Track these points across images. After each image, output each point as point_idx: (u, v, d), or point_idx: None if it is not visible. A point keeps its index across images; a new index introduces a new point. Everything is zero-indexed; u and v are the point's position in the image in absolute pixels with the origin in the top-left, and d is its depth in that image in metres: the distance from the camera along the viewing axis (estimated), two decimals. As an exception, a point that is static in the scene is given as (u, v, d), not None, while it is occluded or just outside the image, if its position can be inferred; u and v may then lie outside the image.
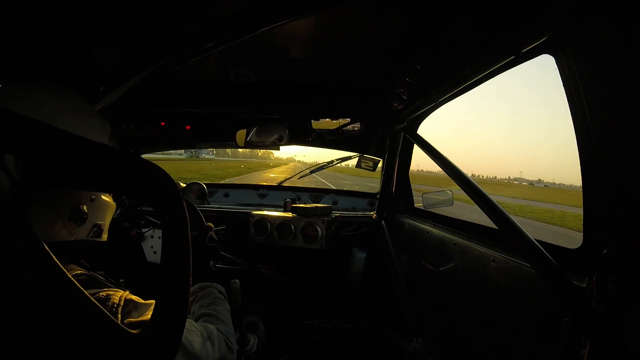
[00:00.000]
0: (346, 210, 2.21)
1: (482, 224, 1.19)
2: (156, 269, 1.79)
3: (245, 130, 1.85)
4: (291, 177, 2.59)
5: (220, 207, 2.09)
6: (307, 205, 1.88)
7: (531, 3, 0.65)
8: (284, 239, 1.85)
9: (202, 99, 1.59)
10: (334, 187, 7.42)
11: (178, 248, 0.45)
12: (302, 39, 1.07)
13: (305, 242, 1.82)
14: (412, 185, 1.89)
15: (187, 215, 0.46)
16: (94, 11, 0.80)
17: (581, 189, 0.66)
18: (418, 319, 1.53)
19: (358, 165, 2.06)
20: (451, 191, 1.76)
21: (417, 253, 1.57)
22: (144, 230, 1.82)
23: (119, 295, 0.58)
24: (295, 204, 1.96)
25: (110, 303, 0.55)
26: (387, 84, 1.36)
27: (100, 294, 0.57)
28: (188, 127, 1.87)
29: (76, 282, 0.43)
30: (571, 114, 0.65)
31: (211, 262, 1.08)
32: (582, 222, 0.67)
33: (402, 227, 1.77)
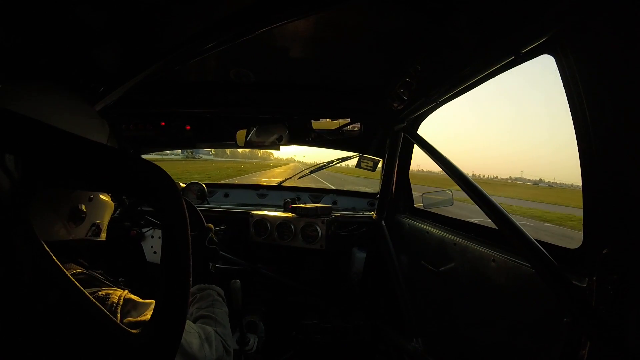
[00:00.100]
0: (346, 210, 2.21)
1: (482, 224, 1.19)
2: (156, 269, 1.79)
3: (245, 130, 1.85)
4: (291, 177, 2.59)
5: (220, 207, 2.09)
6: (307, 205, 1.88)
7: (531, 3, 0.65)
8: (284, 239, 1.85)
9: (202, 99, 1.59)
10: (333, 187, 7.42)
11: (178, 248, 0.45)
12: (302, 39, 1.07)
13: (305, 242, 1.82)
14: (415, 186, 1.90)
15: (187, 215, 0.46)
16: (94, 11, 0.80)
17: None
18: (418, 319, 1.53)
19: (358, 165, 2.06)
20: (451, 191, 1.76)
21: (417, 253, 1.57)
22: (144, 230, 1.82)
23: (118, 294, 0.58)
24: (295, 204, 1.96)
25: (109, 302, 0.55)
26: (387, 84, 1.36)
27: (100, 293, 0.57)
28: (188, 127, 1.87)
29: (76, 282, 0.43)
30: (571, 114, 0.65)
31: (210, 264, 1.08)
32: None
33: (402, 227, 1.77)
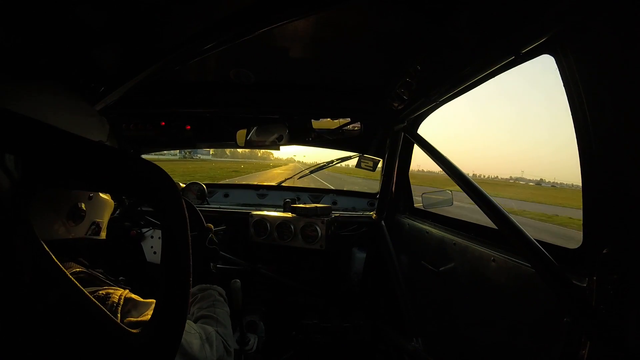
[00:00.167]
0: (346, 210, 2.21)
1: (482, 224, 1.19)
2: (156, 269, 1.79)
3: (245, 130, 1.85)
4: (291, 177, 2.59)
5: (220, 208, 2.09)
6: (307, 206, 1.88)
7: (531, 3, 0.65)
8: (283, 239, 1.85)
9: (203, 99, 1.59)
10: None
11: (178, 248, 0.45)
12: (302, 39, 1.07)
13: (305, 242, 1.82)
14: (415, 187, 1.90)
15: (187, 215, 0.46)
16: (94, 11, 0.80)
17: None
18: (418, 319, 1.53)
19: (358, 165, 2.07)
20: (451, 191, 1.76)
21: (417, 253, 1.57)
22: (144, 230, 1.82)
23: (118, 293, 0.58)
24: (295, 204, 1.96)
25: (109, 302, 0.55)
26: (387, 84, 1.36)
27: (100, 292, 0.57)
28: (188, 127, 1.87)
29: (76, 282, 0.43)
30: (571, 114, 0.65)
31: (211, 264, 1.08)
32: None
33: (402, 227, 1.77)
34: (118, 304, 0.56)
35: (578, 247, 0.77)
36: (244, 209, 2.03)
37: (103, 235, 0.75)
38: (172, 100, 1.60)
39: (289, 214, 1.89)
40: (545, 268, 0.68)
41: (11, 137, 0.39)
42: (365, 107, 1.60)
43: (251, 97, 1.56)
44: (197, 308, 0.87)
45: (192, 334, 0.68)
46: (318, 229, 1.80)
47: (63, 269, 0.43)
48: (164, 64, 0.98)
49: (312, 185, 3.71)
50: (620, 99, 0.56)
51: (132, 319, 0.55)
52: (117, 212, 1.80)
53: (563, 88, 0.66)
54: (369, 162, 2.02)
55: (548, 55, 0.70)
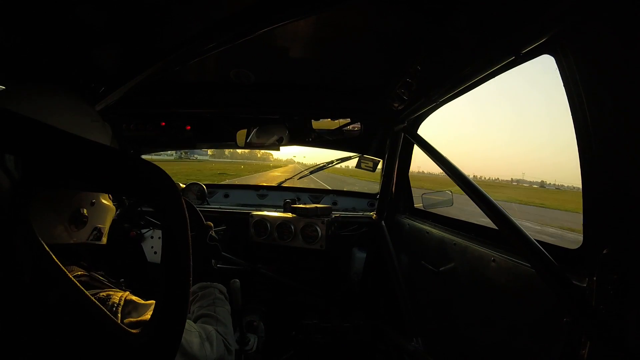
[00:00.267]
0: (346, 210, 2.21)
1: (482, 224, 1.19)
2: (156, 269, 1.79)
3: (245, 131, 1.85)
4: (291, 178, 2.59)
5: (220, 208, 2.10)
6: (307, 206, 1.88)
7: (531, 3, 0.65)
8: (284, 239, 1.85)
9: (203, 99, 1.59)
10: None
11: (178, 248, 0.45)
12: (302, 39, 1.07)
13: (305, 242, 1.82)
14: (415, 189, 1.90)
15: (187, 215, 0.46)
16: (94, 11, 0.80)
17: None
18: (418, 319, 1.53)
19: (358, 165, 2.07)
20: (451, 192, 1.76)
21: (417, 253, 1.57)
22: (144, 230, 1.82)
23: (119, 295, 0.58)
24: (295, 204, 1.96)
25: (110, 303, 0.55)
26: (387, 84, 1.36)
27: (101, 294, 0.57)
28: (188, 128, 1.87)
29: (77, 282, 0.43)
30: (571, 114, 0.65)
31: (213, 261, 1.08)
32: None
33: (402, 228, 1.77)
34: (118, 305, 0.56)
35: (578, 247, 0.77)
36: (244, 209, 2.03)
37: (104, 240, 0.75)
38: (172, 100, 1.60)
39: (289, 214, 1.89)
40: (545, 268, 0.68)
41: (11, 137, 0.39)
42: (365, 107, 1.60)
43: (251, 97, 1.56)
44: (198, 307, 0.87)
45: (192, 332, 0.68)
46: (318, 229, 1.80)
47: (63, 269, 0.43)
48: (164, 64, 0.98)
49: (312, 186, 3.71)
50: (620, 99, 0.56)
51: (132, 319, 0.55)
52: (117, 212, 1.80)
53: (563, 88, 0.66)
54: (369, 162, 2.02)
55: (548, 56, 0.70)
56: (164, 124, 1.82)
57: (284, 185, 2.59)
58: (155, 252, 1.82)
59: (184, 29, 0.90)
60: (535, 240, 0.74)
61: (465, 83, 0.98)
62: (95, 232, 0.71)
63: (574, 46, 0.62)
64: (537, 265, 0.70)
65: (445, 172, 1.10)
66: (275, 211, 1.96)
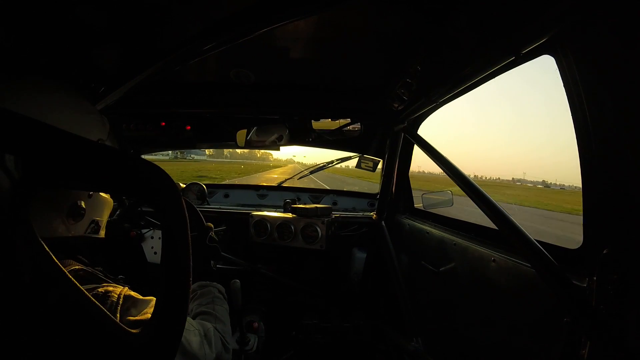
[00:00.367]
0: (346, 210, 2.21)
1: (482, 224, 1.19)
2: (156, 269, 1.79)
3: (245, 131, 1.85)
4: (291, 178, 2.59)
5: (220, 208, 2.10)
6: (307, 206, 1.88)
7: (531, 3, 0.65)
8: (284, 240, 1.85)
9: (203, 99, 1.59)
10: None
11: (178, 249, 0.45)
12: (302, 39, 1.07)
13: (305, 242, 1.82)
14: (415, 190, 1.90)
15: (187, 215, 0.46)
16: (94, 11, 0.80)
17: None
18: (418, 319, 1.53)
19: (358, 165, 2.07)
20: (451, 192, 1.76)
21: (417, 253, 1.57)
22: (144, 230, 1.82)
23: (117, 291, 0.58)
24: (295, 204, 1.96)
25: (109, 301, 0.55)
26: (387, 84, 1.36)
27: (99, 289, 0.57)
28: (188, 128, 1.87)
29: (76, 282, 0.43)
30: (571, 114, 0.65)
31: (212, 262, 1.08)
32: None
33: (402, 228, 1.77)
34: (117, 302, 0.55)
35: (578, 248, 0.77)
36: (244, 210, 2.03)
37: (102, 233, 0.75)
38: (172, 100, 1.60)
39: (289, 215, 1.89)
40: (546, 268, 0.68)
41: (11, 137, 0.39)
42: (365, 107, 1.60)
43: (251, 97, 1.56)
44: (197, 304, 0.87)
45: (192, 331, 0.68)
46: (318, 229, 1.80)
47: (63, 268, 0.43)
48: (164, 64, 0.98)
49: (312, 186, 3.71)
50: (620, 99, 0.56)
51: (131, 317, 0.55)
52: (117, 213, 1.80)
53: (563, 89, 0.66)
54: (369, 162, 2.03)
55: (548, 56, 0.70)
56: (164, 124, 1.82)
57: (284, 185, 2.59)
58: (155, 253, 1.82)
59: (184, 29, 0.90)
60: (535, 240, 0.74)
61: (465, 83, 0.98)
62: (92, 225, 0.71)
63: (574, 46, 0.62)
64: (537, 265, 0.70)
65: (445, 172, 1.10)
66: (275, 211, 1.96)
